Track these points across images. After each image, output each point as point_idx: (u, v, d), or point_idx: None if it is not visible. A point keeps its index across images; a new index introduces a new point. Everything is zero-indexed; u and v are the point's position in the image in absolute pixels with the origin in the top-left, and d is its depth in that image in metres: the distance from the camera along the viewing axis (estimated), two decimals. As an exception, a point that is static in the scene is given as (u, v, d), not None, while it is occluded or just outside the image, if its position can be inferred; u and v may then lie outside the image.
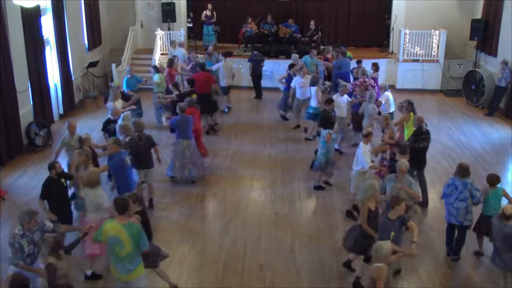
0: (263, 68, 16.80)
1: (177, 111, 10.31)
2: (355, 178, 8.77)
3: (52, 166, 7.44)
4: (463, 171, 7.50)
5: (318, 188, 9.98)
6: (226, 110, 14.57)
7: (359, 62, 13.76)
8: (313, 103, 12.02)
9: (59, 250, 5.92)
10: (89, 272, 7.21)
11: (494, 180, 7.64)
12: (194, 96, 11.42)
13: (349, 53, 15.29)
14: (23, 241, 5.94)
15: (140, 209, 6.57)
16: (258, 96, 15.98)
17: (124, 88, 12.82)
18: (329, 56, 15.37)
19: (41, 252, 6.23)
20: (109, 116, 10.42)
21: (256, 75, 15.67)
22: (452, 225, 7.64)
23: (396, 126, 10.09)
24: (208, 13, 17.35)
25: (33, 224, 6.03)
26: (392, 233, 6.22)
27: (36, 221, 6.05)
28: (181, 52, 15.40)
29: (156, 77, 13.06)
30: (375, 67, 13.74)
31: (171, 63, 13.83)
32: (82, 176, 7.46)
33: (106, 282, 7.10)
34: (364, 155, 8.57)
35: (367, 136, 8.74)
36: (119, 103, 11.11)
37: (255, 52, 15.94)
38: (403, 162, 7.79)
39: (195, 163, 10.09)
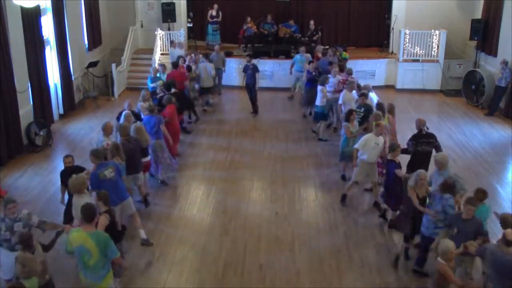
0: (264, 68, 16.86)
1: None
2: (359, 167, 8.94)
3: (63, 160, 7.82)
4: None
5: (342, 178, 10.35)
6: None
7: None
8: (318, 102, 12.07)
9: (32, 244, 5.92)
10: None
11: (479, 195, 6.87)
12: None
13: (344, 54, 15.25)
14: (1, 224, 6.13)
15: (107, 209, 6.53)
16: (255, 110, 14.59)
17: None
18: (319, 55, 15.29)
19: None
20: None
21: (248, 86, 14.37)
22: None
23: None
24: (214, 12, 17.36)
25: (9, 212, 6.15)
26: (455, 230, 6.39)
27: (11, 210, 6.15)
28: (178, 53, 15.33)
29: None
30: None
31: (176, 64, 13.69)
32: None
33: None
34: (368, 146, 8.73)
35: (377, 127, 8.79)
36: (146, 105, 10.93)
37: (248, 64, 14.34)
38: (442, 154, 7.92)
39: (159, 163, 10.03)
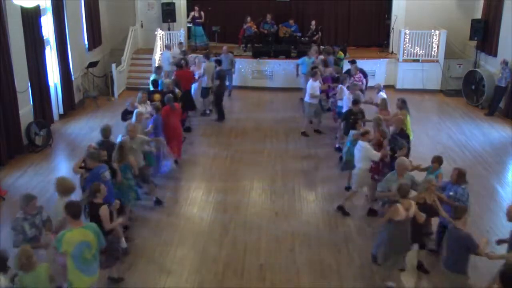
0: (264, 68, 16.85)
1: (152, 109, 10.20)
2: (358, 176, 8.77)
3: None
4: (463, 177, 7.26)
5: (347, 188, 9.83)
6: (208, 112, 14.21)
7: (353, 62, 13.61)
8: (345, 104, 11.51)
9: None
10: None
11: (440, 160, 7.87)
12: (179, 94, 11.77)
13: (339, 54, 15.16)
14: (25, 224, 6.09)
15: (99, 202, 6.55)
16: (222, 117, 13.89)
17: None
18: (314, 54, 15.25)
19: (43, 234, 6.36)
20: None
21: (219, 93, 13.65)
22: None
23: (389, 124, 9.88)
24: (196, 14, 17.39)
25: (31, 208, 6.15)
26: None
27: (34, 205, 6.16)
28: (167, 54, 15.25)
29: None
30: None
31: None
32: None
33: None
34: (367, 153, 8.49)
35: (364, 135, 8.63)
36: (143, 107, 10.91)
37: (219, 68, 13.63)
38: (403, 159, 7.64)
39: (164, 159, 10.11)
